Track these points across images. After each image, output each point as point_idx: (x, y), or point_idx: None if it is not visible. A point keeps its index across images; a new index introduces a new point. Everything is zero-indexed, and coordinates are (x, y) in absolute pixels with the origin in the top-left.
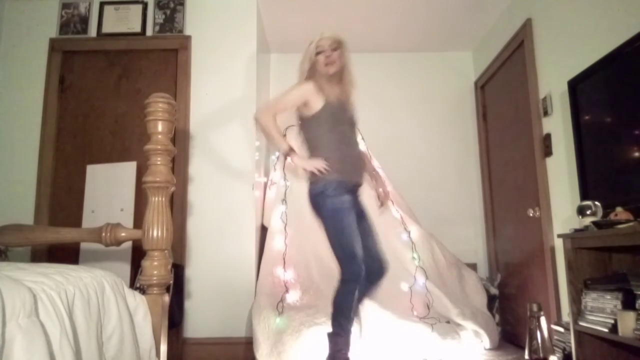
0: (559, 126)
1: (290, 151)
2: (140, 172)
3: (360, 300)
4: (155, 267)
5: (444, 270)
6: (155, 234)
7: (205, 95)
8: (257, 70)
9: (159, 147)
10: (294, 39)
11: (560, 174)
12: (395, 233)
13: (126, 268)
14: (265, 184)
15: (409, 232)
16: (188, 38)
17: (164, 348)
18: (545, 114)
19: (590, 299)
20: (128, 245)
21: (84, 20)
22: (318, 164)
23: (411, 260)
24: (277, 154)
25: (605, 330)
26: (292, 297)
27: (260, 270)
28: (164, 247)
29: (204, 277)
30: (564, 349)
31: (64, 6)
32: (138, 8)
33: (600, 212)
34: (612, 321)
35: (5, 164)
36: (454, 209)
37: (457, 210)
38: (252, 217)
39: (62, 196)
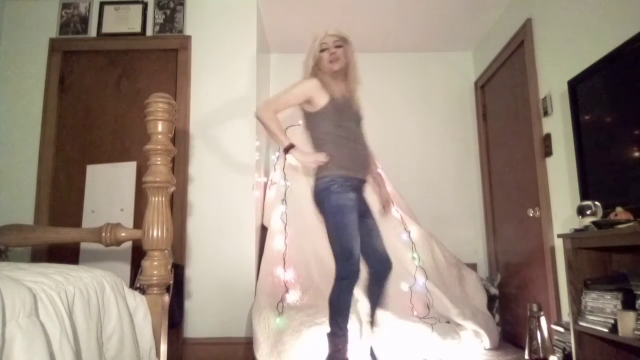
0: (559, 126)
1: (290, 147)
2: (140, 172)
3: (374, 307)
4: (155, 267)
5: (444, 270)
6: (155, 234)
7: (205, 95)
8: (257, 70)
9: (159, 147)
10: (294, 39)
11: (560, 174)
12: (395, 233)
13: (126, 268)
14: (265, 184)
15: (409, 232)
16: (188, 38)
17: (164, 348)
18: (545, 114)
19: (590, 299)
20: (128, 245)
21: (84, 20)
22: (319, 158)
23: (411, 260)
24: (277, 153)
25: (605, 330)
26: (292, 297)
27: (260, 270)
28: (164, 247)
29: (204, 277)
30: (564, 349)
31: (64, 6)
32: (138, 8)
33: (600, 212)
34: (612, 321)
35: (5, 164)
36: (454, 209)
37: (457, 210)
38: (252, 217)
39: (62, 196)
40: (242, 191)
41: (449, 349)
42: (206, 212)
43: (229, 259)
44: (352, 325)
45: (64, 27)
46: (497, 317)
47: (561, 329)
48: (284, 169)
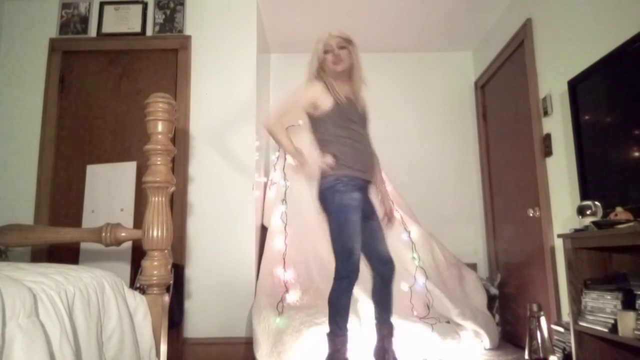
0: (559, 126)
1: (304, 161)
2: (140, 172)
3: (385, 315)
4: (155, 267)
5: (444, 270)
6: (155, 234)
7: (205, 95)
8: (257, 70)
9: (159, 147)
10: (294, 39)
11: (560, 174)
12: (396, 233)
13: (126, 268)
14: (265, 184)
15: (409, 232)
16: (188, 38)
17: (164, 348)
18: (545, 114)
19: (590, 299)
20: (128, 245)
21: (84, 20)
22: (326, 161)
23: (411, 260)
24: (277, 153)
25: (605, 330)
26: (292, 297)
27: (260, 270)
28: (164, 247)
29: (204, 277)
30: (564, 349)
31: (64, 6)
32: (138, 8)
33: (600, 212)
34: (612, 321)
35: (6, 164)
36: (454, 209)
37: (457, 210)
38: (252, 217)
39: (62, 196)
40: (242, 191)
41: (449, 349)
42: (206, 212)
43: (229, 259)
44: (351, 325)
45: (64, 27)
46: (497, 317)
47: (561, 329)
48: (284, 169)
